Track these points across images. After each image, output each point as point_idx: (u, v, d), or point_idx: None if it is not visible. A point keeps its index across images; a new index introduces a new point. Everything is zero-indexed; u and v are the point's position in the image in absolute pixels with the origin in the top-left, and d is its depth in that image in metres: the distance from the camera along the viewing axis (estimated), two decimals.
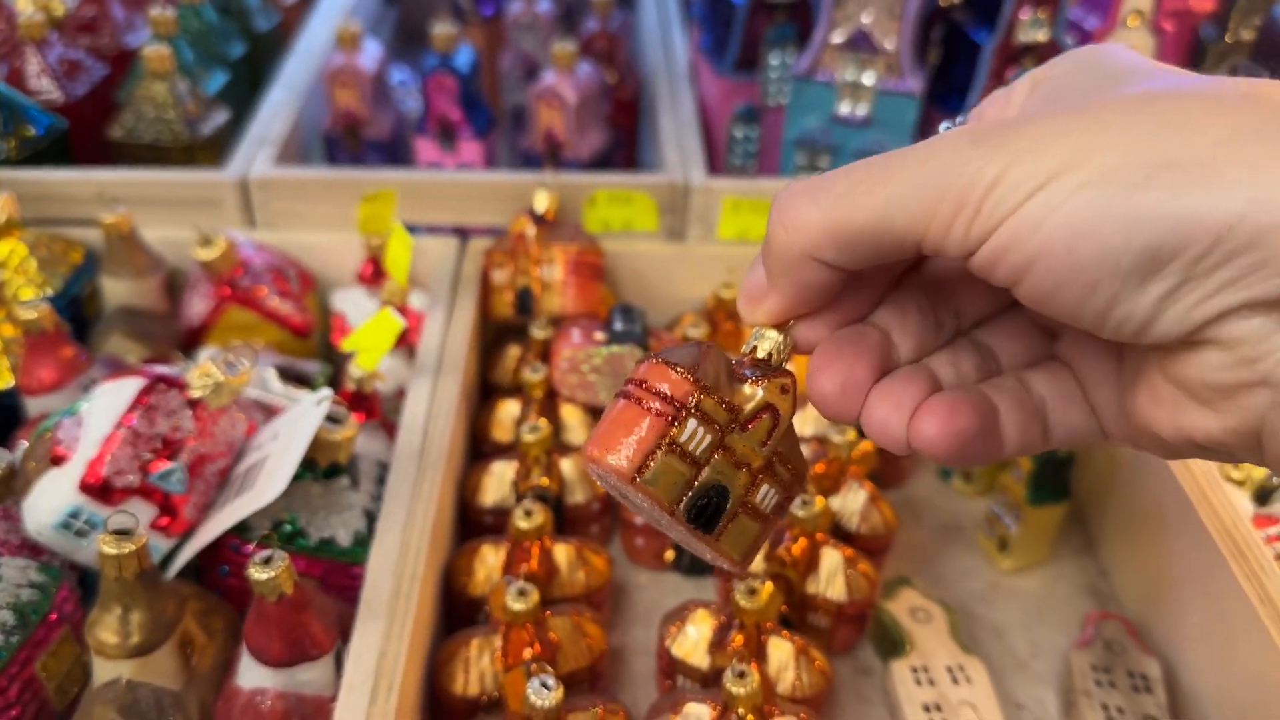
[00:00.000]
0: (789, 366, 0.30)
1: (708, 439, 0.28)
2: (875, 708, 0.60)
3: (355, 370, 0.62)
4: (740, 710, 0.48)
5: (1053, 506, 0.65)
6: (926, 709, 0.56)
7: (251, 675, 0.48)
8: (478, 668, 0.53)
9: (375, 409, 0.63)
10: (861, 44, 0.71)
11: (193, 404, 0.53)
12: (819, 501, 0.58)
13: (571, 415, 0.68)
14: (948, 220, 0.24)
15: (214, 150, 0.81)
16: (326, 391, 0.56)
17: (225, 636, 0.52)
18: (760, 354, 0.30)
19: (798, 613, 0.60)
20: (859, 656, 0.62)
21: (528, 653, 0.52)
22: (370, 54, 0.89)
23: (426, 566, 0.53)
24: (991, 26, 0.77)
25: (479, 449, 0.69)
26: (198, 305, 0.69)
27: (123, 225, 0.68)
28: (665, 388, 0.28)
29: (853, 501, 0.62)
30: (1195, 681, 0.57)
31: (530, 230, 0.71)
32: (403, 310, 0.68)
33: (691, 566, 0.66)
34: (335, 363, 0.71)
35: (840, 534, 0.62)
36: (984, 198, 0.24)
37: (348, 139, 0.89)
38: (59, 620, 0.50)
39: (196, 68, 0.86)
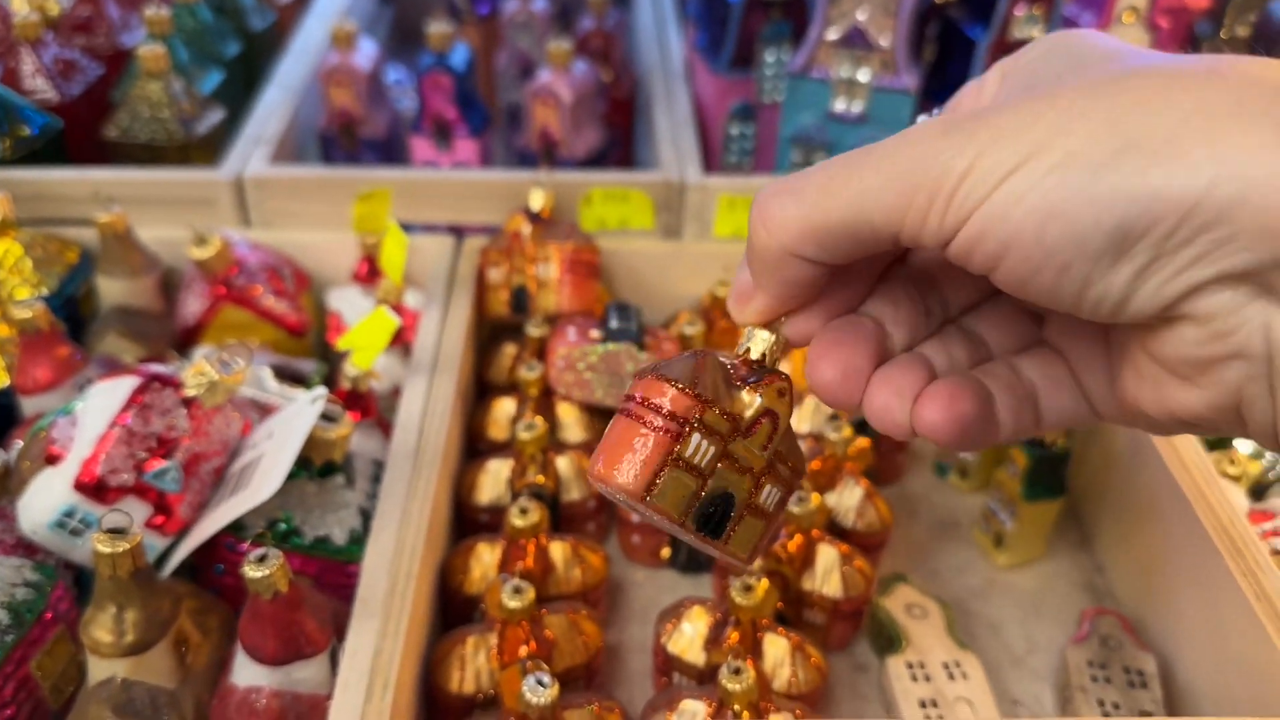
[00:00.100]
0: (784, 364, 0.30)
1: (711, 450, 0.29)
2: (871, 704, 0.60)
3: (350, 369, 0.62)
4: (736, 707, 0.48)
5: (1048, 502, 0.65)
6: (923, 705, 0.56)
7: (246, 673, 0.48)
8: (473, 665, 0.53)
9: (370, 407, 0.63)
10: (857, 41, 0.71)
11: (187, 403, 0.53)
12: (815, 498, 0.58)
13: (567, 413, 0.68)
14: (922, 211, 0.25)
15: (209, 149, 0.81)
16: (321, 390, 0.56)
17: (220, 635, 0.52)
18: (754, 355, 0.30)
19: (794, 609, 0.60)
20: (855, 653, 0.62)
21: (523, 650, 0.52)
22: (365, 53, 0.89)
23: (422, 564, 0.53)
24: (986, 23, 0.77)
25: (475, 447, 0.69)
26: (193, 304, 0.69)
27: (118, 225, 0.68)
28: (666, 404, 0.28)
29: (848, 498, 0.62)
30: (1191, 677, 0.57)
31: (526, 228, 0.71)
32: (398, 309, 0.68)
33: (688, 564, 0.66)
34: (331, 361, 0.71)
35: (836, 530, 0.62)
36: (956, 188, 0.24)
37: (343, 138, 0.89)
38: (54, 619, 0.50)
39: (191, 67, 0.86)
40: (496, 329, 0.76)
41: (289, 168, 0.79)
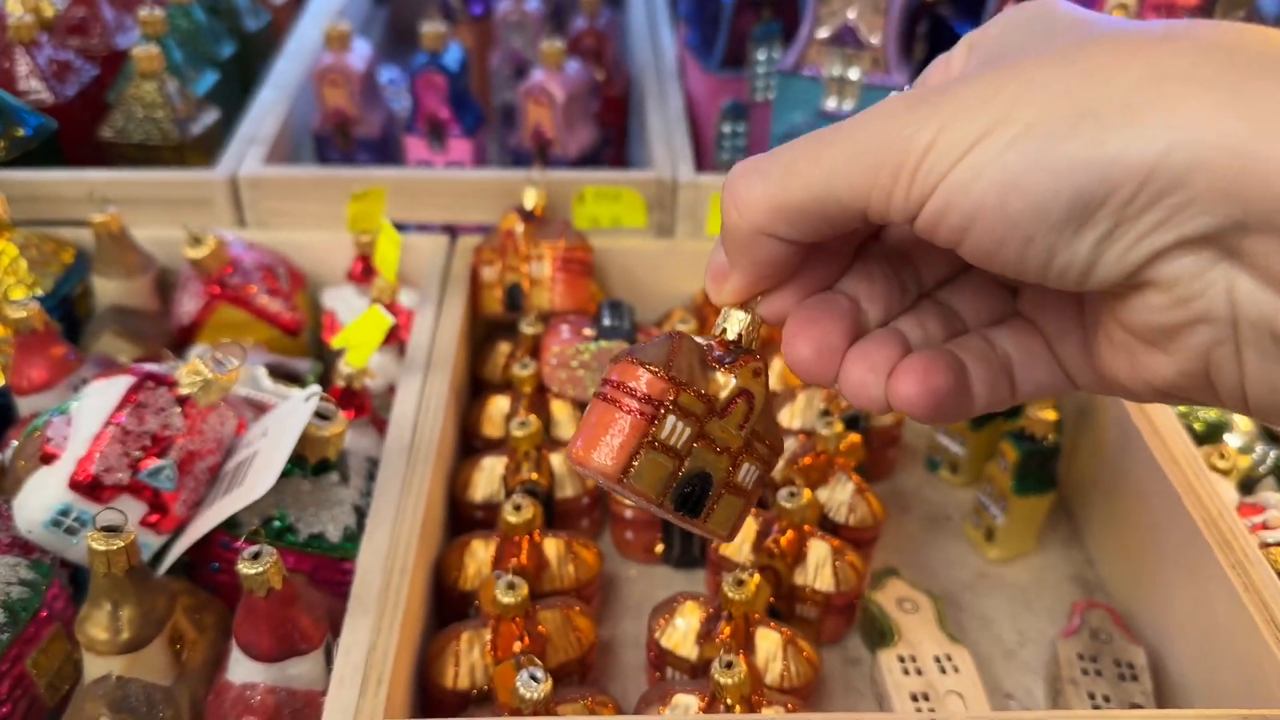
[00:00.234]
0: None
1: (687, 431, 0.29)
2: (863, 698, 0.60)
3: (345, 367, 0.62)
4: (728, 700, 0.48)
5: (1039, 496, 0.66)
6: (914, 698, 0.57)
7: (242, 670, 0.48)
8: (468, 661, 0.53)
9: (365, 405, 0.64)
10: (847, 39, 0.71)
11: (182, 401, 0.54)
12: (806, 494, 0.58)
13: (561, 410, 0.69)
14: (887, 187, 0.25)
15: (204, 150, 0.81)
16: (315, 388, 0.56)
17: (216, 632, 0.52)
18: (730, 335, 0.30)
19: (786, 604, 0.60)
20: (847, 647, 0.63)
21: (517, 646, 0.52)
22: (360, 53, 0.89)
23: (416, 561, 0.53)
24: (976, 21, 0.77)
25: (469, 444, 0.69)
26: (188, 304, 0.69)
27: (113, 225, 0.68)
28: (641, 387, 0.29)
29: (840, 493, 0.63)
30: (1181, 670, 0.58)
31: (519, 227, 0.72)
32: (392, 307, 0.68)
33: (681, 559, 0.66)
34: (326, 360, 0.71)
35: (828, 525, 0.62)
36: (919, 162, 0.24)
37: (338, 138, 0.90)
38: (50, 617, 0.50)
39: (186, 68, 0.86)
40: (490, 327, 0.76)
41: (284, 168, 0.79)
